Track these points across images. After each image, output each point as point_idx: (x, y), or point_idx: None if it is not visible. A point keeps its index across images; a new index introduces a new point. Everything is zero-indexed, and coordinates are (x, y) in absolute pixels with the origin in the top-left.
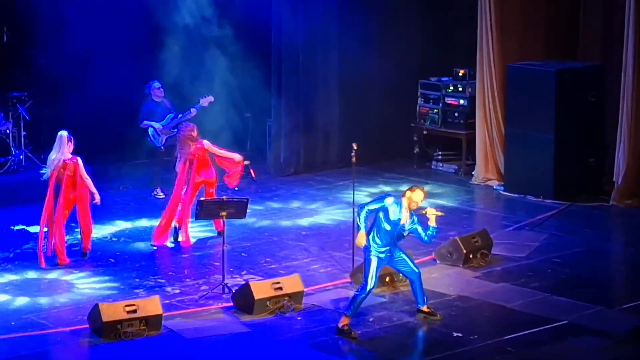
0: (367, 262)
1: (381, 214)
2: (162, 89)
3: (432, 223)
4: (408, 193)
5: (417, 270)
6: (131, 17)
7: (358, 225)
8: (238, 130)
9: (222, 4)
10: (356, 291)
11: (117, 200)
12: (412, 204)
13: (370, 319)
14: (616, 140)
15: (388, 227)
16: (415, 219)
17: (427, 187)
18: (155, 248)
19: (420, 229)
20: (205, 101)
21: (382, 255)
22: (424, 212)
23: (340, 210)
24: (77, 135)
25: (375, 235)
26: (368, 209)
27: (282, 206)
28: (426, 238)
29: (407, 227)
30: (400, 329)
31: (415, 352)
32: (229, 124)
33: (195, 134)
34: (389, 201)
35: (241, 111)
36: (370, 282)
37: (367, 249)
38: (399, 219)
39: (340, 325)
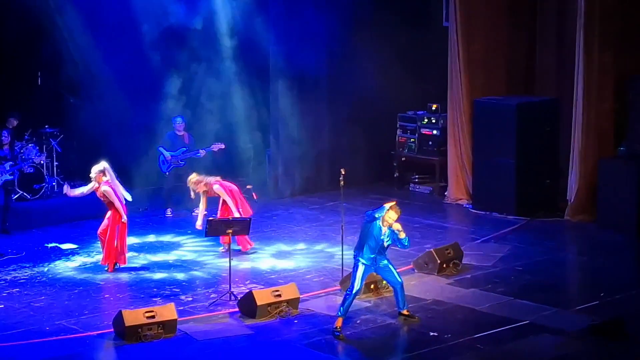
0: (355, 267)
1: (369, 228)
2: (183, 124)
3: (401, 236)
4: (387, 215)
5: (399, 280)
6: (149, 61)
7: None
8: (242, 158)
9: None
10: (346, 293)
11: (138, 220)
12: (387, 221)
13: (358, 321)
14: (569, 165)
15: (373, 240)
16: (389, 232)
17: (405, 206)
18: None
19: (396, 240)
20: (216, 147)
21: (367, 263)
22: (394, 228)
23: (329, 227)
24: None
25: (364, 245)
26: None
27: (280, 224)
28: (405, 245)
29: (385, 240)
30: (384, 330)
31: (397, 350)
32: (235, 154)
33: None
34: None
35: (245, 143)
36: (357, 285)
37: (355, 257)
38: (380, 234)
39: (335, 325)
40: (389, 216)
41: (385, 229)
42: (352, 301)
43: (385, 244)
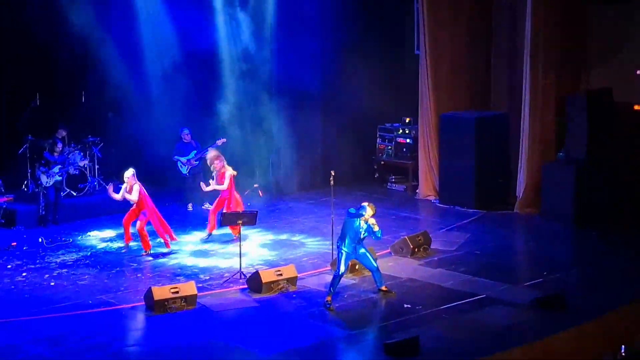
0: (339, 254)
1: (351, 223)
2: (189, 134)
3: (375, 229)
4: (365, 212)
5: (375, 265)
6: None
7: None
8: (250, 163)
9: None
10: (334, 274)
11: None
12: (367, 217)
13: (345, 296)
14: (518, 167)
15: (353, 232)
16: (366, 226)
17: (384, 202)
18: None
19: (371, 232)
20: (219, 142)
21: (349, 251)
22: (370, 223)
23: (322, 218)
24: (136, 169)
25: (346, 237)
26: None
27: (281, 216)
28: (378, 237)
29: (363, 231)
30: (366, 303)
31: (377, 319)
32: (243, 159)
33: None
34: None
35: (251, 149)
36: (342, 269)
37: (339, 246)
38: (359, 227)
39: (326, 300)
40: (367, 213)
41: (363, 224)
42: (339, 281)
43: (362, 236)
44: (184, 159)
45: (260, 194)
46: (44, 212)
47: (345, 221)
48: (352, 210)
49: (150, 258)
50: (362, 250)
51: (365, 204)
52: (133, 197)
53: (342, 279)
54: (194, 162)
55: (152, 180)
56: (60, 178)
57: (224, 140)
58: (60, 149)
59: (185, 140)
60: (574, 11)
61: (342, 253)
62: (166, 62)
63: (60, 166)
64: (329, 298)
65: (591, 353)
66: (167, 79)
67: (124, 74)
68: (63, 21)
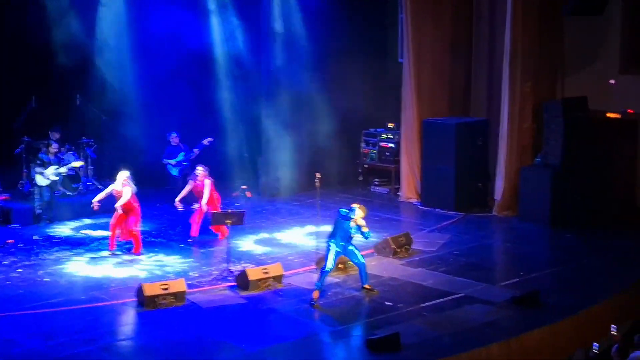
0: (327, 250)
1: (342, 223)
2: (177, 137)
3: (365, 230)
4: (354, 214)
5: (363, 261)
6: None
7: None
8: (237, 165)
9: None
10: (321, 270)
11: (155, 212)
12: (357, 219)
13: (330, 293)
14: (496, 171)
15: (343, 232)
16: (356, 227)
17: (367, 204)
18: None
19: (360, 232)
20: (205, 141)
21: (339, 249)
22: (360, 224)
23: (307, 219)
24: (127, 169)
25: (336, 235)
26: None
27: (268, 216)
28: (366, 237)
29: (352, 231)
30: (350, 300)
31: (360, 316)
32: (232, 161)
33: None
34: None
35: (241, 152)
36: (329, 265)
37: (328, 242)
38: (349, 228)
39: (313, 296)
40: (357, 214)
41: (353, 224)
42: (326, 277)
43: (352, 235)
44: (173, 162)
45: (249, 195)
46: (39, 211)
47: (336, 220)
48: (344, 211)
49: (142, 257)
50: (351, 247)
51: (356, 205)
52: (124, 198)
53: (327, 277)
54: (184, 164)
55: (144, 181)
56: (58, 178)
57: (211, 139)
58: (56, 149)
59: (173, 144)
60: (551, 22)
61: (330, 250)
62: (159, 65)
63: (55, 167)
64: (315, 293)
65: (564, 349)
66: (160, 82)
67: (118, 77)
68: (59, 25)
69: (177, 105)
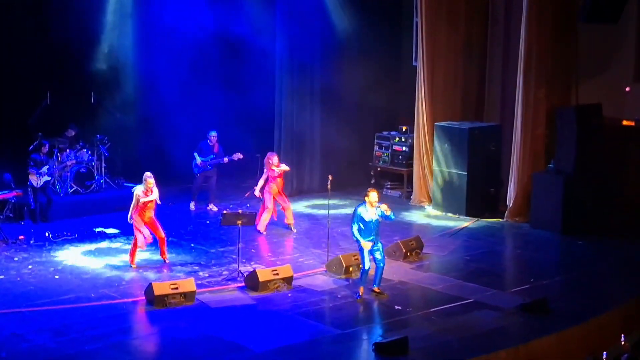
0: (360, 251)
1: (359, 219)
2: (215, 137)
3: (387, 213)
4: (366, 198)
5: (383, 263)
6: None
7: (358, 239)
8: (251, 166)
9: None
10: (361, 270)
11: (167, 212)
12: (372, 202)
13: (339, 296)
14: (509, 177)
15: (364, 223)
16: (379, 211)
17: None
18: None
19: (386, 215)
20: (235, 156)
21: (368, 245)
22: (380, 207)
23: (319, 221)
24: (140, 166)
25: (362, 233)
26: (354, 227)
27: (280, 218)
28: (392, 217)
29: (377, 218)
30: (359, 303)
31: (369, 319)
32: (246, 162)
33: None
34: (360, 209)
35: (254, 153)
36: (366, 264)
37: (358, 242)
38: (367, 217)
39: (359, 292)
40: (371, 197)
41: (372, 210)
42: (367, 275)
43: (376, 224)
44: (199, 160)
45: (258, 196)
46: (33, 207)
47: (355, 215)
48: (359, 207)
49: (156, 255)
50: (379, 245)
51: (371, 191)
52: (154, 195)
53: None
54: (207, 166)
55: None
56: (50, 178)
57: (240, 155)
58: (47, 150)
59: (210, 143)
60: (566, 28)
61: (362, 248)
62: (176, 62)
63: (48, 166)
64: (362, 290)
65: (573, 357)
66: (177, 79)
67: (133, 74)
68: (75, 22)
69: (193, 103)
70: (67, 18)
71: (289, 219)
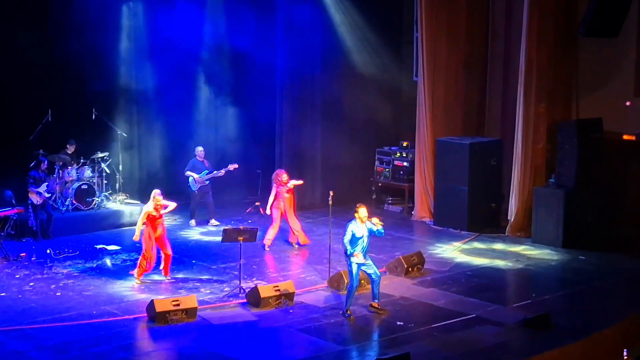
0: (349, 267)
1: (351, 235)
2: (203, 152)
3: (377, 227)
4: (356, 214)
5: (379, 273)
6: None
7: (350, 252)
8: (252, 181)
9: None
10: (348, 288)
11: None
12: (362, 218)
13: (341, 312)
14: (510, 192)
15: (358, 241)
16: (369, 226)
17: (383, 223)
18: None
19: (374, 231)
20: (231, 167)
21: (359, 256)
22: (370, 220)
23: (320, 236)
24: (141, 183)
25: (351, 247)
26: (346, 240)
27: (281, 233)
28: (381, 233)
29: (367, 234)
30: (361, 319)
31: (371, 334)
32: (247, 177)
33: (279, 178)
34: (351, 226)
35: (255, 169)
36: (355, 281)
37: (348, 258)
38: (362, 233)
39: (345, 310)
40: (361, 212)
41: (364, 229)
42: (354, 293)
43: (365, 241)
44: (197, 176)
45: (262, 212)
46: (36, 228)
47: (346, 231)
48: (350, 223)
49: (157, 272)
50: (368, 260)
51: (360, 206)
52: (172, 206)
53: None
54: (205, 182)
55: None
56: (49, 195)
57: (236, 166)
58: (47, 166)
59: (199, 158)
60: (566, 43)
61: (351, 266)
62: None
63: (47, 184)
64: (348, 310)
65: None
66: (178, 96)
67: (133, 94)
68: (75, 39)
69: (195, 120)
70: (69, 35)
71: (299, 237)
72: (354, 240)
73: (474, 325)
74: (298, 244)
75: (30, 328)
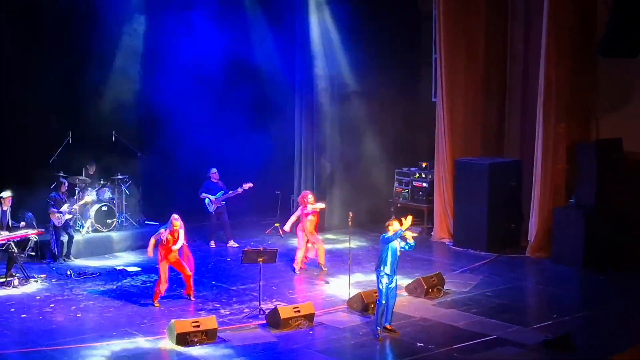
0: (378, 281)
1: (388, 248)
2: (217, 174)
3: (410, 240)
4: (390, 227)
5: (393, 302)
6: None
7: (400, 231)
8: (272, 203)
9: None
10: (377, 304)
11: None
12: (403, 234)
13: (360, 333)
14: (530, 212)
15: (393, 256)
16: (403, 242)
17: (417, 234)
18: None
19: (405, 245)
20: (246, 186)
21: (389, 274)
22: (404, 234)
23: (339, 257)
24: (160, 204)
25: (386, 265)
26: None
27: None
28: (411, 248)
29: (399, 248)
30: (382, 340)
31: (391, 356)
32: (266, 199)
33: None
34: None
35: (274, 190)
36: (383, 298)
37: (378, 274)
38: (397, 250)
39: (378, 332)
40: (395, 227)
41: (399, 243)
42: (383, 310)
43: (399, 254)
44: (213, 198)
45: (281, 233)
46: (56, 251)
47: (382, 248)
48: (386, 235)
49: (177, 292)
50: (394, 284)
51: (393, 221)
52: (179, 244)
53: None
54: (222, 202)
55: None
56: (71, 216)
57: (251, 185)
58: (67, 188)
59: (213, 180)
60: (585, 62)
61: (381, 280)
62: (196, 101)
63: (68, 204)
64: (379, 330)
65: None
66: (197, 117)
67: (154, 113)
68: (98, 63)
69: (213, 141)
70: (91, 58)
71: (321, 258)
72: (392, 254)
73: (495, 346)
74: (317, 264)
75: (50, 350)
